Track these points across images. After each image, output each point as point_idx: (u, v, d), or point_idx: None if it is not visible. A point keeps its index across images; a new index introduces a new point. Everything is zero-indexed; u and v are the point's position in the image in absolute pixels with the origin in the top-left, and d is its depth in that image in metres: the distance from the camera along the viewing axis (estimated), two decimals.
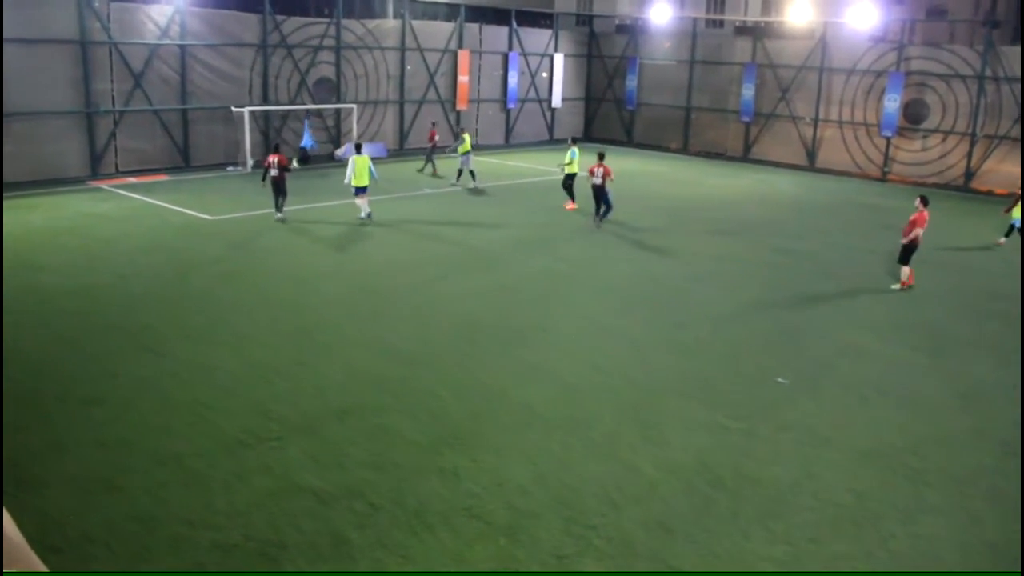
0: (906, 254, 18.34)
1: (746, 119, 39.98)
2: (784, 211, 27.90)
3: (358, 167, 22.04)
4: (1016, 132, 33.24)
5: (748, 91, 39.56)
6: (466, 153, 28.38)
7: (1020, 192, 23.84)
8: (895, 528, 8.95)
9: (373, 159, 27.70)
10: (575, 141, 26.60)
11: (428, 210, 24.80)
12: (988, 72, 33.69)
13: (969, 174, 33.83)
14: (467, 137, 28.77)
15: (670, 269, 19.42)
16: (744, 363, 13.61)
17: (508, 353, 13.50)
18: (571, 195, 25.38)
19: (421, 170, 31.24)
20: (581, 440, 10.53)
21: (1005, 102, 33.58)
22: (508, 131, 41.12)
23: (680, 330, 15.13)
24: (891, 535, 8.81)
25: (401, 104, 36.24)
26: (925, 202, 18.45)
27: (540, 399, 11.70)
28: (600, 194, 23.20)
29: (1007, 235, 23.99)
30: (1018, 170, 33.47)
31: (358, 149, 22.73)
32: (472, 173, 28.33)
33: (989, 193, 33.59)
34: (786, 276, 19.29)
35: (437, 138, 31.55)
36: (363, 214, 22.38)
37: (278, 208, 22.00)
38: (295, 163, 29.23)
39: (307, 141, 31.40)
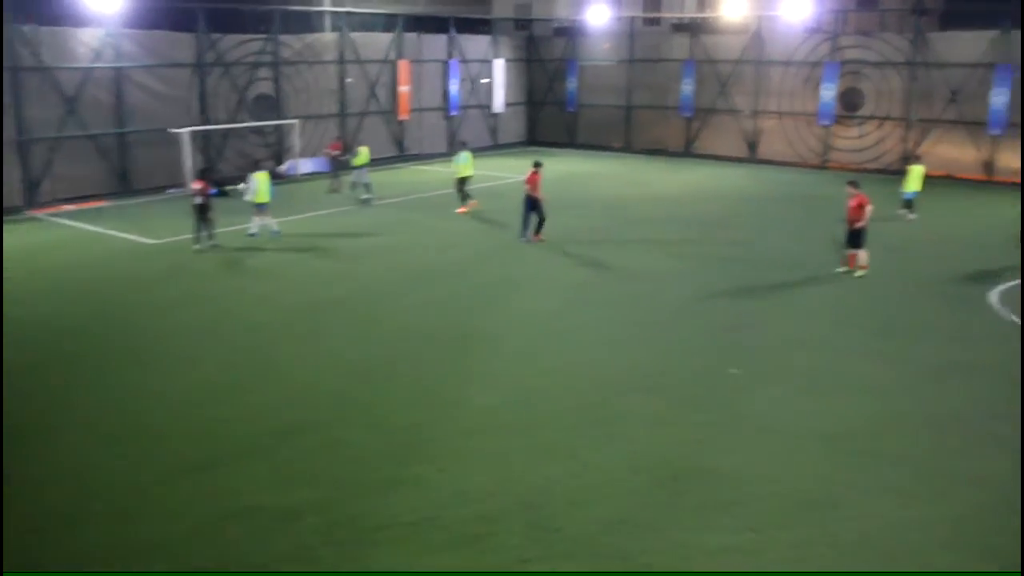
0: (860, 238, 18.60)
1: (687, 115, 40.37)
2: (729, 204, 28.18)
3: (261, 184, 21.70)
4: (949, 115, 33.98)
5: (687, 87, 39.94)
6: (362, 166, 28.21)
7: (910, 165, 25.95)
8: (857, 510, 9.03)
9: (314, 173, 27.41)
10: (464, 145, 26.63)
11: (366, 223, 24.63)
12: (919, 58, 34.41)
13: (906, 158, 34.41)
14: (363, 150, 28.56)
15: (620, 268, 19.48)
16: (698, 356, 13.69)
17: (461, 361, 13.43)
18: (465, 198, 25.81)
19: (335, 190, 29.64)
20: (540, 442, 10.49)
21: (936, 87, 34.33)
22: (451, 139, 41.04)
23: (633, 327, 15.19)
24: (853, 517, 8.89)
25: (342, 117, 35.99)
26: (856, 185, 18.85)
27: (497, 404, 11.65)
28: (532, 205, 21.67)
29: (907, 208, 25.32)
30: (953, 153, 34.23)
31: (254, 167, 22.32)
32: (366, 186, 28.03)
33: (926, 176, 34.22)
34: (735, 269, 19.47)
35: (337, 152, 30.35)
36: (254, 230, 22.01)
37: (197, 239, 20.81)
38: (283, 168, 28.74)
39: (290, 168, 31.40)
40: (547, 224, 21.82)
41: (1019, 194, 20.58)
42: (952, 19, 38.24)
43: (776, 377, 12.84)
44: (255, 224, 22.11)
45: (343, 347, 14.04)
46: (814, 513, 8.97)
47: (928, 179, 33.24)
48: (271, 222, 22.20)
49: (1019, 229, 20.00)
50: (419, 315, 15.79)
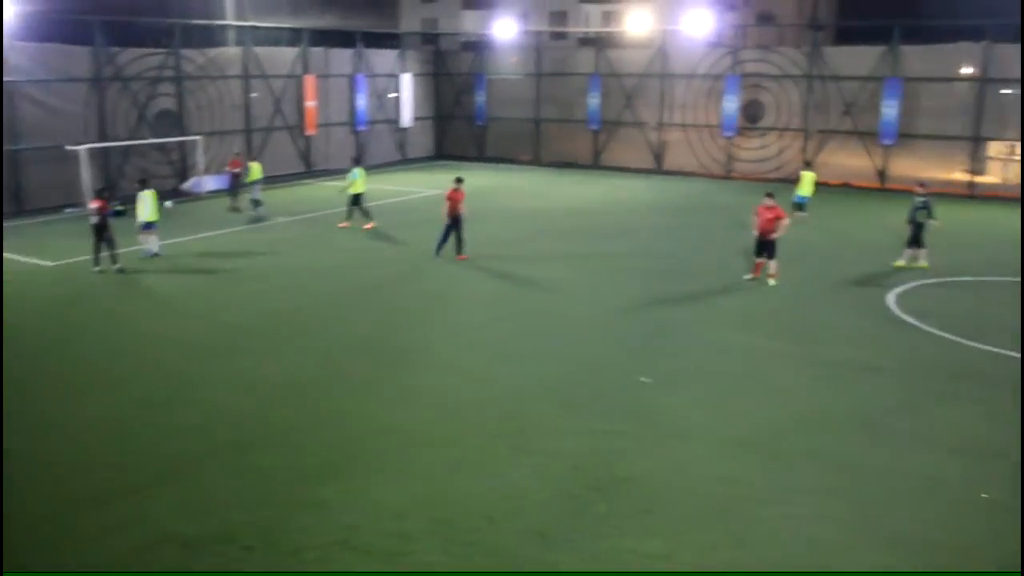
0: (773, 248, 19.09)
1: (594, 127, 40.95)
2: (638, 215, 28.67)
3: (152, 203, 21.16)
4: (845, 126, 35.27)
5: (594, 100, 40.53)
6: (254, 182, 27.95)
7: (802, 172, 27.64)
8: (763, 511, 9.27)
9: (219, 191, 26.78)
10: (357, 162, 26.60)
11: (272, 241, 24.29)
12: (815, 72, 35.64)
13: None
14: (255, 166, 28.30)
15: (532, 280, 19.62)
16: (609, 366, 13.87)
17: (375, 378, 13.33)
18: (354, 215, 25.81)
19: (236, 208, 28.82)
20: (454, 457, 10.48)
21: (832, 99, 35.63)
22: (359, 153, 40.74)
23: (545, 340, 15.30)
24: (759, 518, 9.12)
25: (248, 133, 35.42)
26: (772, 196, 19.38)
27: (411, 420, 11.59)
28: (454, 223, 21.27)
29: (799, 210, 26.80)
30: (849, 162, 35.53)
31: (144, 184, 21.70)
32: (256, 203, 27.78)
33: (824, 184, 35.40)
34: (645, 279, 19.80)
35: (237, 170, 29.43)
36: (151, 250, 21.48)
37: (96, 260, 20.13)
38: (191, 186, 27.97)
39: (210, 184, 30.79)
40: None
41: (910, 201, 21.43)
42: (845, 34, 39.78)
43: (686, 384, 13.09)
44: (149, 244, 21.43)
45: (256, 367, 13.78)
46: (722, 516, 9.16)
47: (826, 187, 34.64)
48: (155, 242, 21.57)
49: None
50: (332, 333, 15.61)
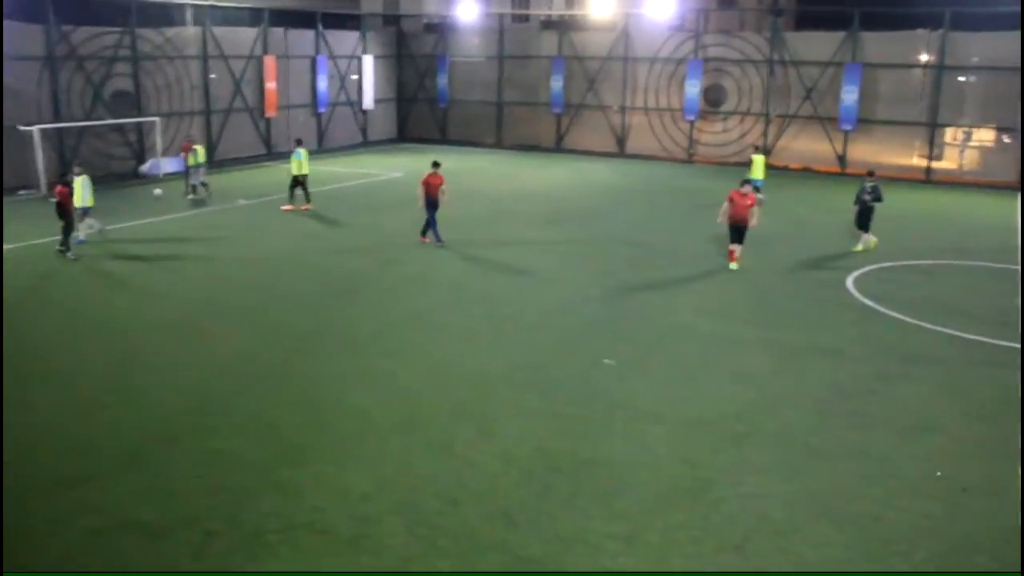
0: (743, 234, 19.12)
1: (557, 110, 40.95)
2: (601, 198, 28.76)
3: (88, 188, 20.62)
4: (805, 111, 35.61)
5: (557, 83, 40.50)
6: (198, 165, 27.66)
7: (759, 153, 28.08)
8: (725, 491, 9.39)
9: (177, 173, 26.45)
10: (300, 143, 26.33)
11: (230, 224, 24.06)
12: (776, 56, 35.91)
13: (766, 151, 35.88)
14: (199, 148, 28.01)
15: (496, 264, 19.63)
16: (573, 350, 13.94)
17: (339, 361, 13.27)
18: (306, 197, 25.68)
19: (192, 193, 27.98)
20: (419, 441, 10.48)
21: (793, 84, 35.94)
22: (321, 136, 40.41)
23: (511, 322, 15.33)
24: (722, 498, 9.24)
25: (208, 114, 34.94)
26: (750, 183, 19.48)
27: (376, 404, 11.56)
28: (434, 206, 20.93)
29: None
30: (810, 146, 35.90)
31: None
32: (195, 187, 27.53)
33: (785, 168, 35.76)
34: (610, 263, 19.90)
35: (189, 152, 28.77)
36: (86, 233, 20.95)
37: (64, 244, 19.71)
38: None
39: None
40: (421, 222, 21.71)
41: (860, 185, 21.66)
42: (805, 20, 40.08)
43: (650, 367, 13.20)
44: (81, 230, 20.87)
45: (219, 351, 13.65)
46: (686, 497, 9.26)
47: (787, 171, 35.00)
48: (94, 224, 21.19)
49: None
50: (295, 316, 15.52)
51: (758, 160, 27.53)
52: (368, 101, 42.45)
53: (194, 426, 10.84)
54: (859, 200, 21.15)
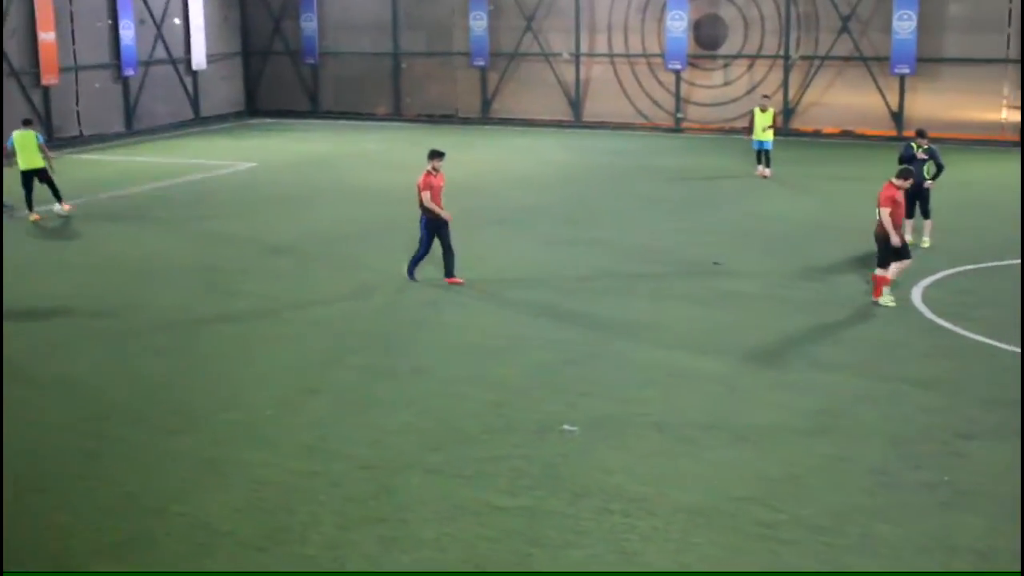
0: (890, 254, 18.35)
1: (480, 63, 41.09)
2: (549, 189, 28.93)
3: None
4: (841, 49, 36.23)
5: (479, 23, 40.68)
6: None
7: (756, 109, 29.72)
8: None
9: None
10: (28, 123, 26.14)
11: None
12: None
13: (787, 111, 36.37)
14: None
15: (394, 291, 19.57)
16: (514, 410, 13.89)
17: (165, 445, 13.06)
18: (55, 195, 25.68)
19: None
20: (293, 561, 10.34)
21: (822, 10, 36.51)
22: (129, 112, 40.00)
23: (418, 376, 15.25)
24: None
25: None
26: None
27: (225, 509, 11.38)
28: (434, 227, 19.56)
29: (764, 164, 29.26)
30: (849, 100, 36.52)
31: None
32: None
33: (816, 134, 36.33)
34: (563, 283, 19.90)
35: None
36: None
37: None
38: None
39: None
40: (286, 228, 21.60)
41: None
42: None
43: (628, 430, 13.19)
44: None
45: None
46: None
47: (818, 137, 35.54)
48: None
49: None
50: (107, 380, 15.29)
51: (761, 117, 28.88)
52: (199, 58, 42.16)
53: None
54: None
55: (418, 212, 19.32)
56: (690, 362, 15.64)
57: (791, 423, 13.47)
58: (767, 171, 29.39)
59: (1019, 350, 15.87)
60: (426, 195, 19.20)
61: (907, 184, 18.34)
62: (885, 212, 17.84)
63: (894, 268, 18.19)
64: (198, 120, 42.49)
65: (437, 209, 19.25)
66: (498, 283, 19.66)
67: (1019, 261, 20.69)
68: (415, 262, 19.84)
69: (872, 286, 18.32)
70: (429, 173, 19.44)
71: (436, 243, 19.56)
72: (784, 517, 11.03)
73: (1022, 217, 22.30)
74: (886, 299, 18.09)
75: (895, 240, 17.87)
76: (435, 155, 19.72)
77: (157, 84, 41.07)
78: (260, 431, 13.44)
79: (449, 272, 19.57)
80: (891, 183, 18.13)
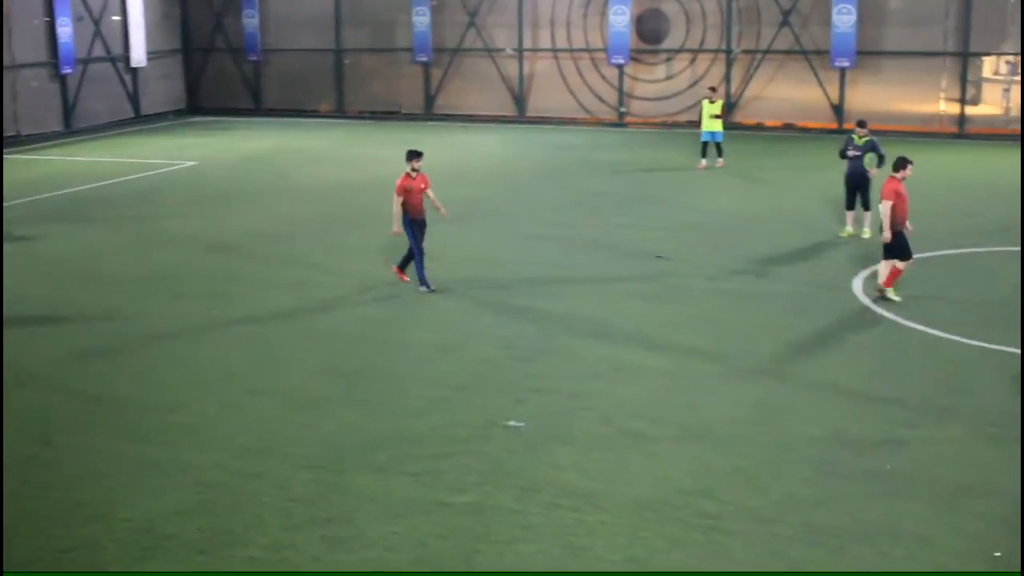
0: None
1: (423, 59, 41.04)
2: (493, 184, 29.01)
3: None
4: (782, 43, 36.48)
5: (421, 19, 40.63)
6: None
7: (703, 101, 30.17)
8: None
9: None
10: None
11: None
12: None
13: (730, 105, 36.61)
14: None
15: (338, 289, 19.54)
16: (461, 407, 13.91)
17: (108, 448, 12.96)
18: None
19: None
20: (237, 563, 10.29)
21: (763, 3, 36.74)
22: (68, 111, 39.60)
23: (364, 374, 15.23)
24: None
25: None
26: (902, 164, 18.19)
27: (168, 512, 11.29)
28: (420, 226, 19.22)
29: (717, 154, 29.88)
30: (790, 94, 36.81)
31: None
32: None
33: (758, 127, 36.59)
34: (506, 274, 19.96)
35: None
36: None
37: None
38: None
39: None
40: (229, 227, 21.49)
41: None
42: None
43: (575, 426, 13.24)
44: None
45: None
46: None
47: (761, 131, 35.80)
48: None
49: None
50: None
51: (709, 107, 29.25)
52: (138, 55, 41.80)
53: None
54: (848, 163, 21.91)
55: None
56: (636, 356, 15.75)
57: (736, 415, 13.60)
58: (720, 161, 29.87)
59: (958, 338, 16.09)
60: (397, 200, 18.69)
61: (908, 173, 17.87)
62: (886, 206, 17.54)
63: (900, 264, 17.81)
64: (139, 118, 42.12)
65: (398, 216, 18.72)
66: (443, 280, 19.62)
67: (957, 251, 20.98)
68: (420, 269, 19.00)
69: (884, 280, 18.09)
70: (407, 175, 18.88)
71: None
72: (730, 508, 11.14)
73: (1022, 205, 22.43)
74: (891, 293, 17.93)
75: (886, 235, 17.53)
76: (412, 156, 19.10)
77: (96, 82, 40.68)
78: (203, 433, 13.37)
79: (403, 265, 19.29)
80: (892, 177, 17.83)
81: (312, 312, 18.33)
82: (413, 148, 19.46)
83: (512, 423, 13.31)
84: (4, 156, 33.42)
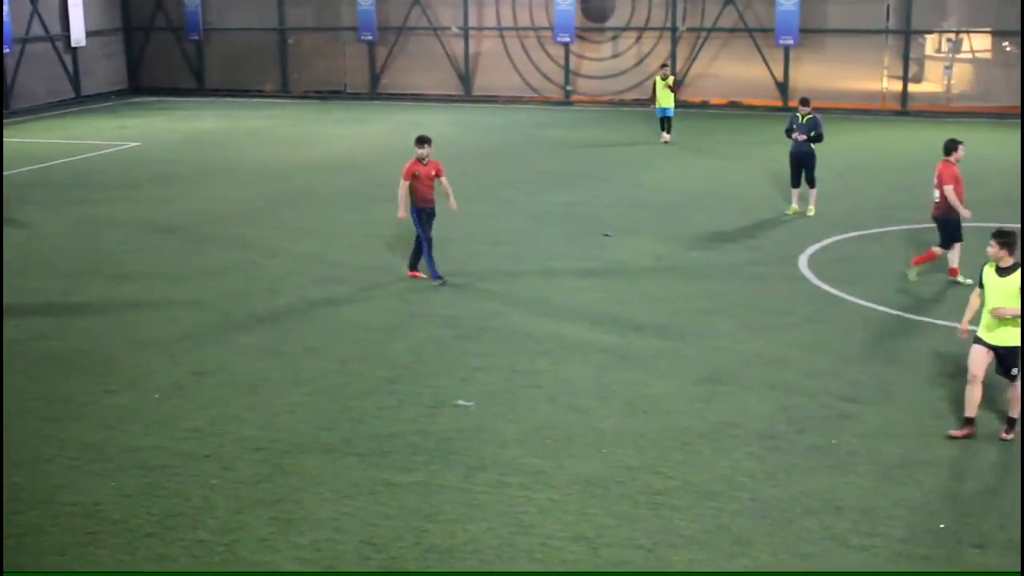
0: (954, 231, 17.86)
1: (368, 38, 40.87)
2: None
3: None
4: (726, 21, 36.66)
5: None
6: None
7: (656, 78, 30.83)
8: None
9: None
10: None
11: None
12: None
13: (676, 82, 36.72)
14: None
15: (283, 271, 19.47)
16: (408, 386, 13.95)
17: (50, 432, 12.88)
18: None
19: None
20: (186, 546, 10.28)
21: None
22: (5, 91, 39.12)
23: (309, 355, 15.21)
24: None
25: None
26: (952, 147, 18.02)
27: (114, 496, 11.26)
28: (430, 215, 18.61)
29: (666, 130, 30.52)
30: (735, 72, 37.01)
31: None
32: None
33: (704, 105, 36.77)
34: (451, 253, 19.93)
35: None
36: None
37: None
38: None
39: None
40: (172, 208, 21.35)
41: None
42: None
43: (522, 404, 13.32)
44: None
45: None
46: None
47: (706, 108, 35.98)
48: None
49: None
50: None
51: (661, 84, 29.91)
52: (78, 35, 41.36)
53: None
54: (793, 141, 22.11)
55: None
56: (581, 333, 15.85)
57: (680, 391, 13.74)
58: (667, 136, 30.44)
59: (901, 313, 16.32)
60: (403, 185, 18.18)
61: (960, 155, 17.70)
62: (949, 189, 17.33)
63: (948, 250, 17.67)
64: (79, 99, 41.69)
65: (403, 199, 18.25)
66: (388, 260, 19.62)
67: (900, 228, 21.21)
68: (430, 261, 18.46)
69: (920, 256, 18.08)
70: (417, 161, 18.24)
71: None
72: (676, 484, 11.26)
73: (1022, 185, 22.59)
74: (912, 273, 17.92)
75: (964, 213, 17.30)
76: (420, 142, 18.34)
77: (35, 62, 40.20)
78: (148, 415, 13.32)
79: (414, 264, 18.80)
80: (946, 161, 17.66)
81: (257, 293, 18.30)
82: (421, 135, 18.59)
83: (461, 402, 13.38)
84: None
